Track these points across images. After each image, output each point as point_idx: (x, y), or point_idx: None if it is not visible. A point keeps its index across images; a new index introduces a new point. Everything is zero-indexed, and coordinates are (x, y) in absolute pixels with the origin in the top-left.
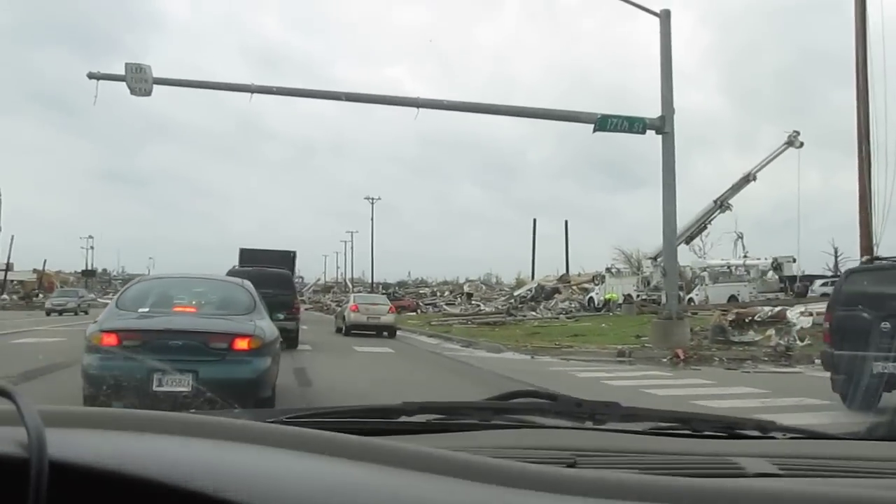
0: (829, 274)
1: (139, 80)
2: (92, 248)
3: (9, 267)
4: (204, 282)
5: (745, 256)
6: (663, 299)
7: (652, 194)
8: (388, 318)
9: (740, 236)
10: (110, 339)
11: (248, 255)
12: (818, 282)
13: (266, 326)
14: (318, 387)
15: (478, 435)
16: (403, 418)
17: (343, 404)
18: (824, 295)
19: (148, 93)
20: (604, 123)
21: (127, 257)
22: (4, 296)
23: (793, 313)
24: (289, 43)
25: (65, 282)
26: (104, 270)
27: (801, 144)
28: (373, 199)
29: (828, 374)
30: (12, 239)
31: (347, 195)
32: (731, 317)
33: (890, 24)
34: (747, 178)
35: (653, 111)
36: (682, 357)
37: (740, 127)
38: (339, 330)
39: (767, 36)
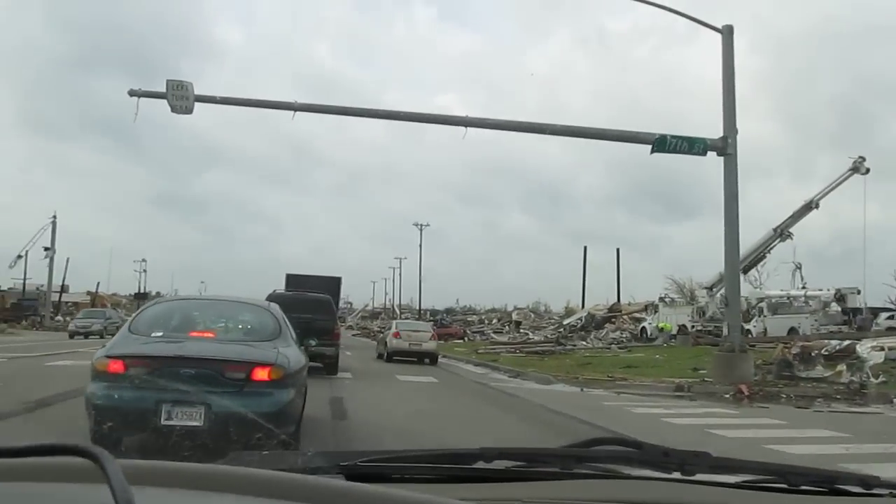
0: (893, 307)
1: (180, 98)
2: (145, 271)
3: (63, 288)
4: (227, 304)
5: (804, 287)
6: (724, 331)
7: (702, 224)
8: (430, 346)
9: (798, 267)
10: (117, 367)
11: (294, 281)
12: (883, 315)
13: (292, 354)
14: (354, 420)
15: (561, 485)
16: (481, 464)
17: (396, 447)
18: (890, 329)
19: (189, 110)
20: (662, 144)
21: (180, 281)
22: (59, 317)
23: (863, 347)
24: (340, 71)
25: (117, 304)
26: (157, 293)
27: (867, 171)
28: (421, 225)
29: None
30: (67, 261)
31: (397, 221)
32: (795, 350)
33: None
34: (809, 206)
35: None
36: (746, 393)
37: (795, 155)
38: (380, 356)
39: (823, 62)
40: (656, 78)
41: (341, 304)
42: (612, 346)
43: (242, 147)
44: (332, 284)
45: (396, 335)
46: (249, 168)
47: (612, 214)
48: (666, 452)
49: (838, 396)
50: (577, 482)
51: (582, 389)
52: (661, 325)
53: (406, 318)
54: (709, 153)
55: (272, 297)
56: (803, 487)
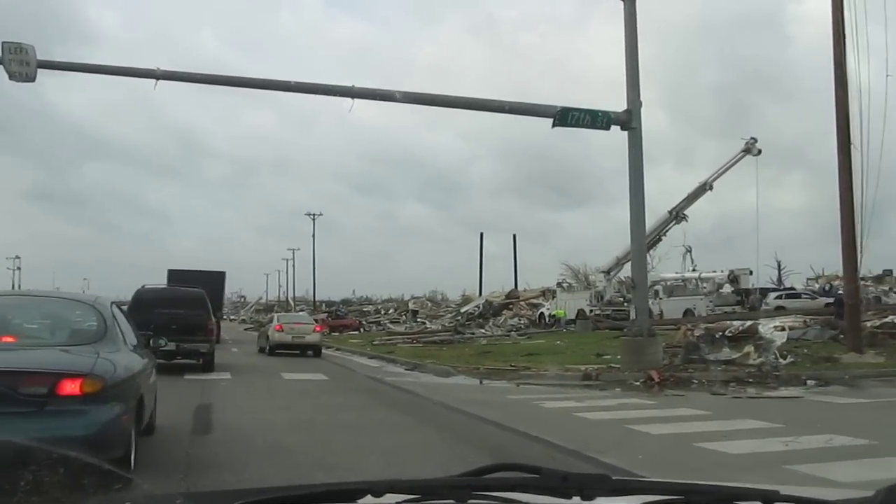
0: (777, 287)
1: (19, 63)
2: (19, 268)
3: None
4: (38, 302)
5: (695, 269)
6: (631, 314)
7: (594, 211)
8: (314, 338)
9: (689, 250)
10: None
11: (176, 276)
12: (772, 294)
13: (120, 360)
14: (219, 434)
15: None
16: (369, 499)
17: (264, 471)
18: (779, 308)
19: (31, 77)
20: (564, 117)
21: (61, 279)
22: None
23: (765, 328)
24: (223, 59)
25: None
26: None
27: (759, 152)
28: (314, 214)
29: (839, 400)
30: None
31: (290, 213)
32: (698, 332)
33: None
34: (703, 188)
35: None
36: (657, 379)
37: (679, 142)
38: (262, 350)
39: (705, 51)
40: (547, 65)
41: (234, 298)
42: (512, 333)
43: (124, 138)
44: (217, 279)
45: (279, 328)
46: (133, 160)
47: (506, 203)
48: (565, 477)
49: (750, 380)
50: None
51: (481, 382)
52: (555, 311)
53: (301, 311)
54: (612, 127)
55: (139, 294)
56: None
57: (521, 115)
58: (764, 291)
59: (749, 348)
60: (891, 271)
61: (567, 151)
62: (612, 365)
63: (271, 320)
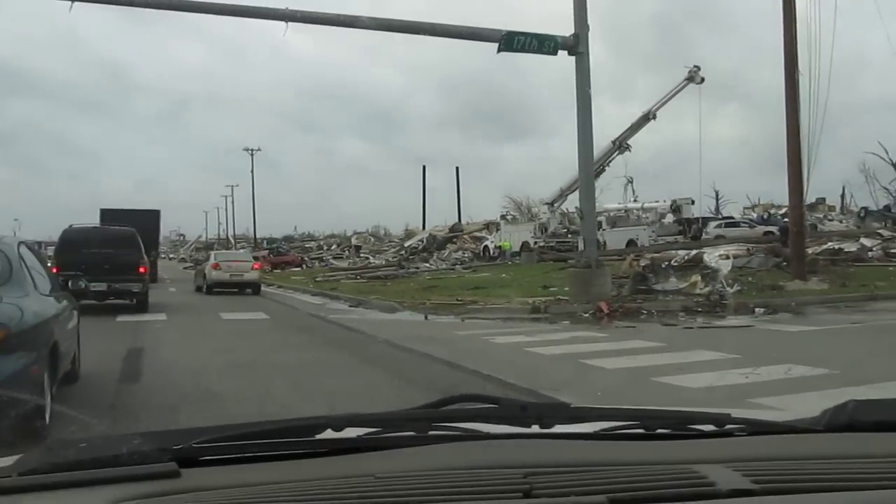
0: (714, 216)
1: None
2: None
3: None
4: None
5: (635, 200)
6: (580, 245)
7: (535, 143)
8: (252, 275)
9: (630, 181)
10: None
11: (108, 216)
12: (712, 224)
13: (28, 305)
14: (147, 382)
15: (416, 452)
16: (329, 433)
17: (196, 420)
18: (719, 237)
19: None
20: (510, 42)
21: None
22: None
23: (710, 257)
24: None
25: None
26: None
27: (702, 80)
28: (252, 150)
29: (790, 328)
30: None
31: (228, 149)
32: (643, 262)
33: None
34: (647, 117)
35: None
36: (605, 311)
37: (617, 75)
38: (199, 289)
39: None
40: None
41: (173, 237)
42: (456, 266)
43: (48, 73)
44: (151, 218)
45: (215, 266)
46: (59, 97)
47: (447, 137)
48: (524, 406)
49: (699, 309)
50: (433, 447)
51: (426, 317)
52: (500, 243)
53: (242, 248)
54: (559, 52)
55: (66, 234)
56: (659, 431)
57: (465, 39)
58: (704, 221)
59: (696, 278)
60: (824, 199)
61: (507, 85)
62: (560, 297)
63: (208, 258)
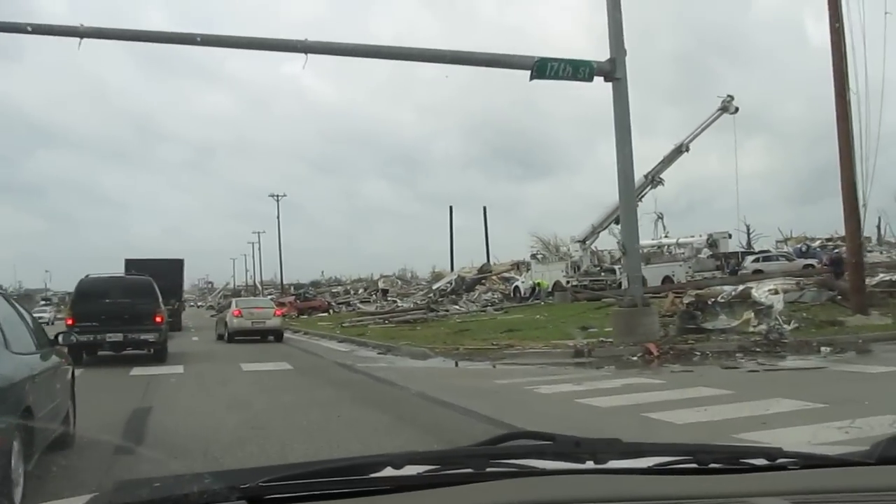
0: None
1: None
2: None
3: None
4: None
5: (666, 236)
6: (623, 283)
7: (558, 182)
8: (274, 322)
9: (660, 216)
10: None
11: (133, 265)
12: (749, 258)
13: None
14: (149, 451)
15: (476, 489)
16: (389, 471)
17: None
18: (757, 272)
19: None
20: (543, 69)
21: (23, 272)
22: None
23: (759, 292)
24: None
25: None
26: None
27: (737, 110)
28: (278, 196)
29: (869, 369)
30: None
31: (254, 196)
32: (687, 300)
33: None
34: (680, 150)
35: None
36: (655, 353)
37: (639, 110)
38: (220, 337)
39: (661, 15)
40: (505, 34)
41: (201, 285)
42: (487, 308)
43: (77, 126)
44: (174, 266)
45: (237, 313)
46: (88, 149)
47: (470, 178)
48: (577, 443)
49: (757, 349)
50: (493, 483)
51: (456, 364)
52: (538, 281)
53: (270, 295)
54: (595, 79)
55: (82, 284)
56: (712, 466)
57: (496, 66)
58: (739, 255)
59: (748, 314)
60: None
61: (528, 124)
62: (604, 339)
63: (229, 305)
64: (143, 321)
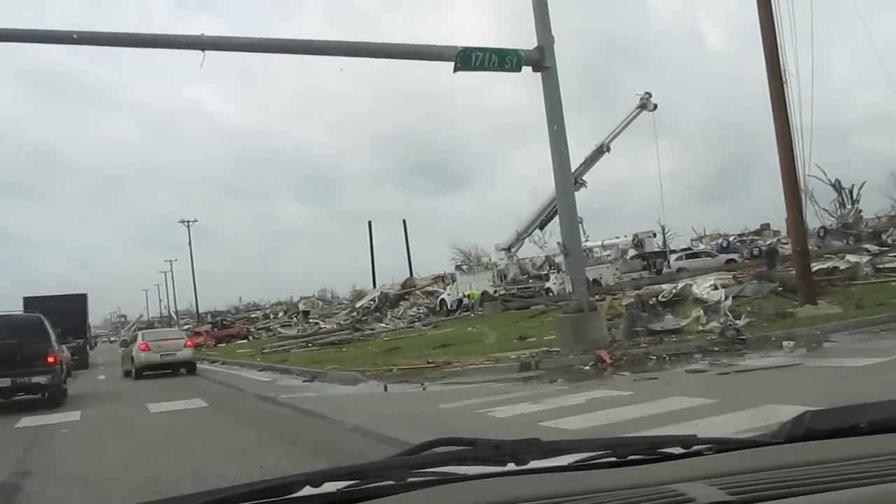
0: (662, 249)
1: None
2: None
3: None
4: None
5: (587, 240)
6: (567, 287)
7: (472, 194)
8: (186, 353)
9: (580, 221)
10: None
11: (32, 304)
12: (673, 256)
13: None
14: None
15: (398, 500)
16: (308, 489)
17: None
18: (682, 269)
19: None
20: (468, 59)
21: None
22: None
23: (699, 289)
24: (73, 65)
25: None
26: None
27: (655, 107)
28: (188, 221)
29: (851, 362)
30: None
31: (164, 224)
32: (625, 301)
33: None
34: (601, 150)
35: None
36: (608, 361)
37: (544, 118)
38: (127, 373)
39: (561, 21)
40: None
41: (113, 319)
42: (415, 323)
43: None
44: (78, 302)
45: (144, 347)
46: None
47: (384, 194)
48: (498, 445)
49: (716, 349)
50: (415, 493)
51: (385, 388)
52: (467, 292)
53: (186, 324)
54: (523, 69)
55: None
56: (630, 458)
57: (416, 59)
58: (666, 254)
59: (697, 312)
60: (768, 224)
61: (439, 138)
62: (548, 349)
63: (135, 339)
64: (34, 363)
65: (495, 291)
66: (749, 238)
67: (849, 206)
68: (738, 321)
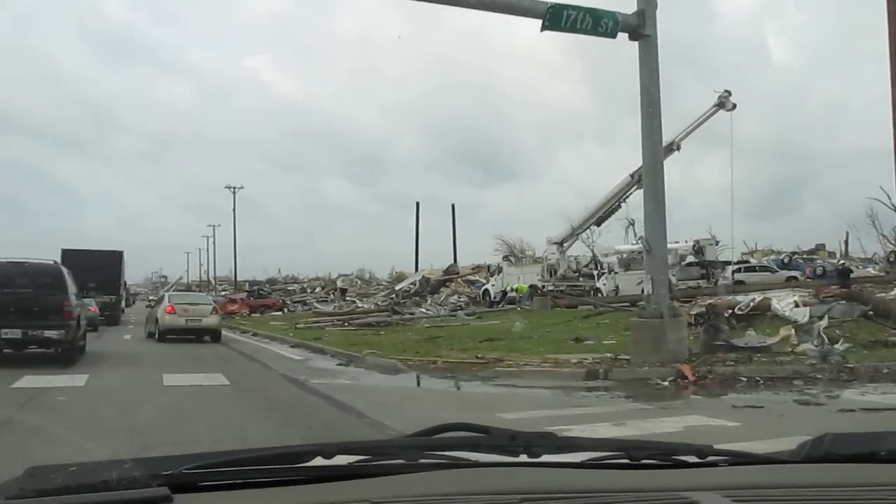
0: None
1: None
2: None
3: None
4: None
5: (637, 242)
6: (647, 288)
7: (519, 188)
8: (212, 321)
9: (632, 223)
10: None
11: (70, 256)
12: (729, 268)
13: None
14: None
15: (409, 479)
16: (319, 461)
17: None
18: (738, 282)
19: None
20: (558, 17)
21: None
22: None
23: (780, 304)
24: (136, 26)
25: None
26: None
27: (734, 106)
28: (234, 188)
29: None
30: None
31: (211, 190)
32: (695, 310)
33: None
34: (670, 148)
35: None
36: (691, 378)
37: (601, 119)
38: (150, 335)
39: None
40: (473, 35)
41: (154, 278)
42: (457, 312)
43: (30, 110)
44: (113, 259)
45: (170, 310)
46: (41, 134)
47: (431, 180)
48: (513, 436)
49: (819, 376)
50: (426, 474)
51: (427, 382)
52: (515, 285)
53: (224, 291)
54: (619, 36)
55: None
56: (644, 461)
57: (506, 13)
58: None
59: (787, 331)
60: (823, 245)
61: (490, 129)
62: (614, 355)
63: (161, 300)
64: (48, 316)
65: (543, 286)
66: (804, 257)
67: None
68: (836, 346)
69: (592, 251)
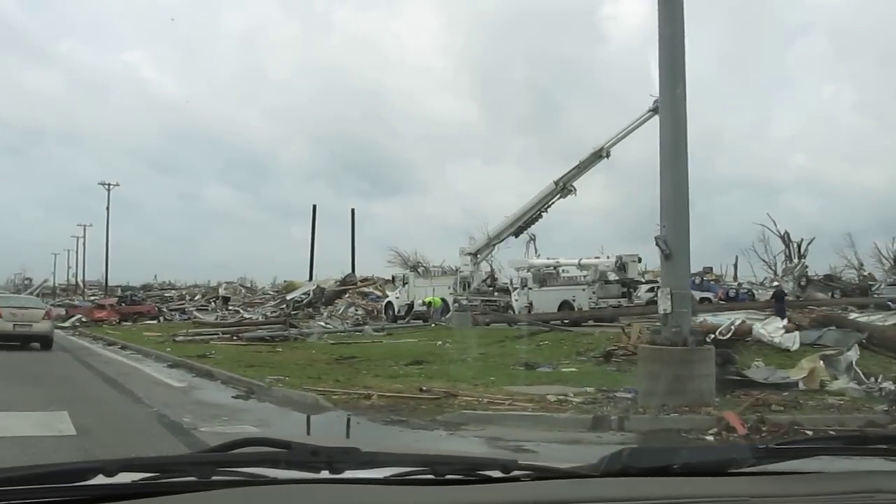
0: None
1: None
2: None
3: None
4: None
5: (537, 257)
6: (664, 306)
7: (406, 201)
8: (43, 326)
9: (532, 238)
10: None
11: None
12: (643, 287)
13: None
14: None
15: (199, 498)
16: (101, 479)
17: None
18: (651, 302)
19: None
20: None
21: None
22: None
23: (766, 329)
24: (3, 15)
25: None
26: None
27: None
28: (109, 185)
29: None
30: None
31: (83, 188)
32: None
33: None
34: (599, 154)
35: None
36: (741, 430)
37: (489, 137)
38: None
39: (514, 45)
40: (362, 43)
41: (17, 280)
42: (363, 327)
43: None
44: None
45: None
46: None
47: (316, 189)
48: (315, 451)
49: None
50: (219, 492)
51: (345, 431)
52: (428, 299)
53: (93, 296)
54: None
55: None
56: (448, 477)
57: None
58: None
59: (814, 363)
60: (710, 268)
61: (377, 141)
62: (612, 391)
63: None
64: None
65: (455, 301)
66: (713, 279)
67: (795, 261)
68: (891, 384)
69: (490, 266)
